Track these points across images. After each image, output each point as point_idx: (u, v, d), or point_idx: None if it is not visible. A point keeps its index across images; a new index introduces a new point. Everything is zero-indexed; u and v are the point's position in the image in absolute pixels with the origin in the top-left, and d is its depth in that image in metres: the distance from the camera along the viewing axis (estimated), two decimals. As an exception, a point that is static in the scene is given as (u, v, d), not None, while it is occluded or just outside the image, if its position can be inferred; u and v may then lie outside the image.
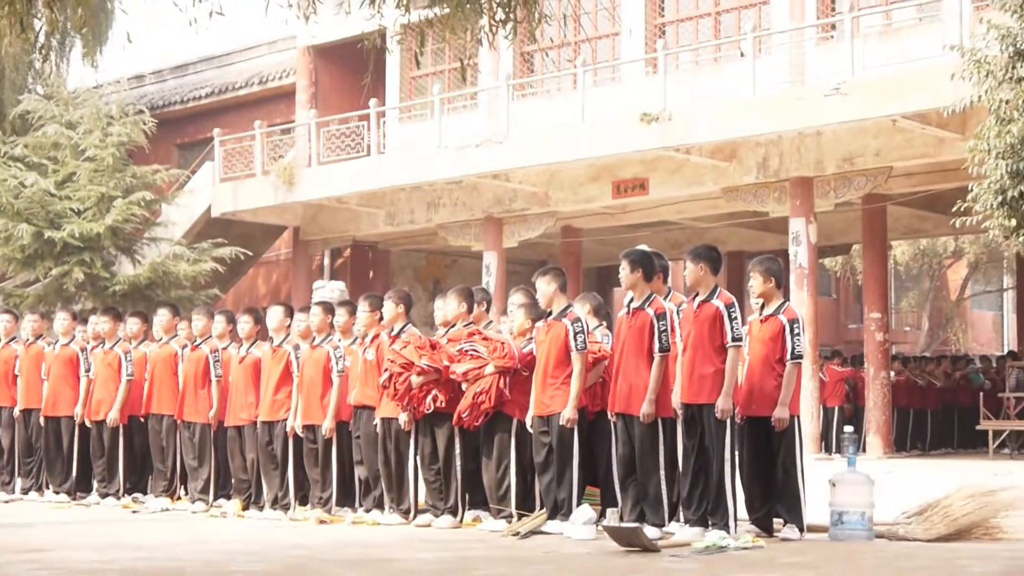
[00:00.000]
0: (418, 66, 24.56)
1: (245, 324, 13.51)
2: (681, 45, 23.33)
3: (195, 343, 13.99)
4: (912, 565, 8.14)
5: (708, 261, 9.85)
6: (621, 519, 10.00)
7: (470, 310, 11.49)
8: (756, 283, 10.03)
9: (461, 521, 11.14)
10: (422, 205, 25.72)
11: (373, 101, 24.78)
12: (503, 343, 10.90)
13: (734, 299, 9.80)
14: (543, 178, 23.92)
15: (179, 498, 13.93)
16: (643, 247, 10.80)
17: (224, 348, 13.79)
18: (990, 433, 22.43)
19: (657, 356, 9.91)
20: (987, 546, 9.19)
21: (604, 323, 11.32)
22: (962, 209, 15.53)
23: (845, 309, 43.63)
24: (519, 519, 10.52)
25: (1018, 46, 14.76)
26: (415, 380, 11.12)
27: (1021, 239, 15.24)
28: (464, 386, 11.00)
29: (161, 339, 14.48)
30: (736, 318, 9.63)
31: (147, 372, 14.33)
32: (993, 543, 9.35)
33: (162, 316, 14.55)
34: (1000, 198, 14.86)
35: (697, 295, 9.85)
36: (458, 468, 11.14)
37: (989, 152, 14.83)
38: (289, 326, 13.11)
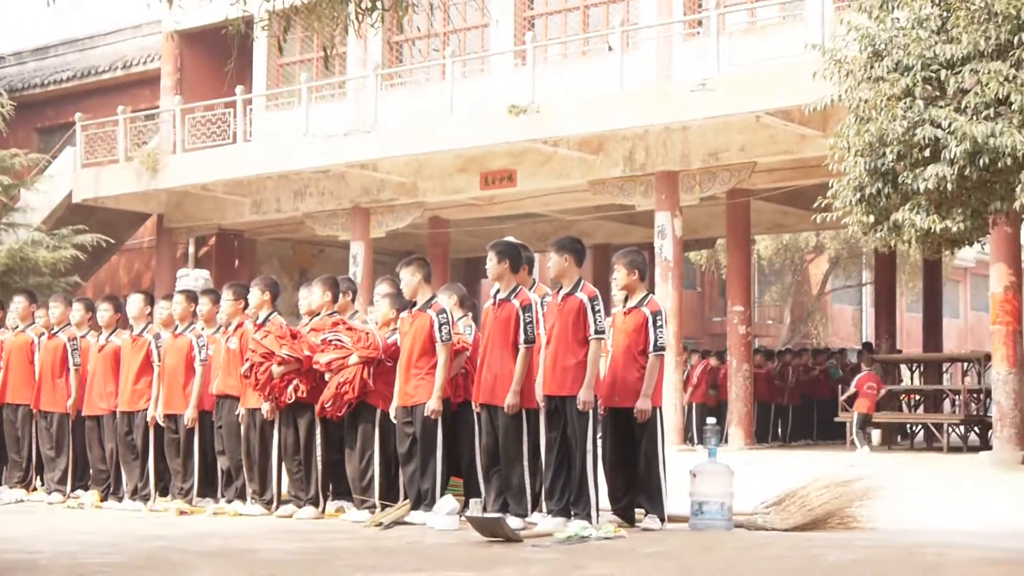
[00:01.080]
0: (281, 53, 24.30)
1: (105, 312, 13.27)
2: (550, 38, 23.44)
3: (52, 331, 13.71)
4: (769, 554, 8.27)
5: (572, 253, 9.90)
6: (484, 509, 10.02)
7: (335, 299, 11.42)
8: (620, 275, 10.11)
9: (323, 512, 11.08)
10: (289, 194, 25.51)
11: (239, 88, 24.52)
12: (367, 333, 10.85)
13: (597, 292, 9.86)
14: (411, 168, 23.86)
15: (35, 489, 13.66)
16: (510, 238, 10.82)
17: (83, 336, 13.53)
18: (847, 425, 22.90)
19: (522, 347, 9.94)
20: (842, 535, 9.37)
21: (469, 314, 11.33)
22: (823, 205, 15.80)
23: (709, 302, 44.23)
24: (382, 510, 10.48)
25: (876, 47, 15.06)
26: (276, 370, 11.02)
27: (879, 235, 15.55)
28: (327, 376, 10.92)
29: (17, 327, 14.15)
30: (599, 310, 9.68)
31: (1, 361, 13.99)
32: (848, 532, 9.53)
33: (18, 303, 14.22)
34: (859, 195, 15.15)
35: (561, 287, 9.89)
36: (320, 459, 11.06)
37: (849, 150, 15.11)
38: (150, 314, 12.91)
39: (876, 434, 23.24)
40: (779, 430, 25.51)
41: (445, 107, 22.39)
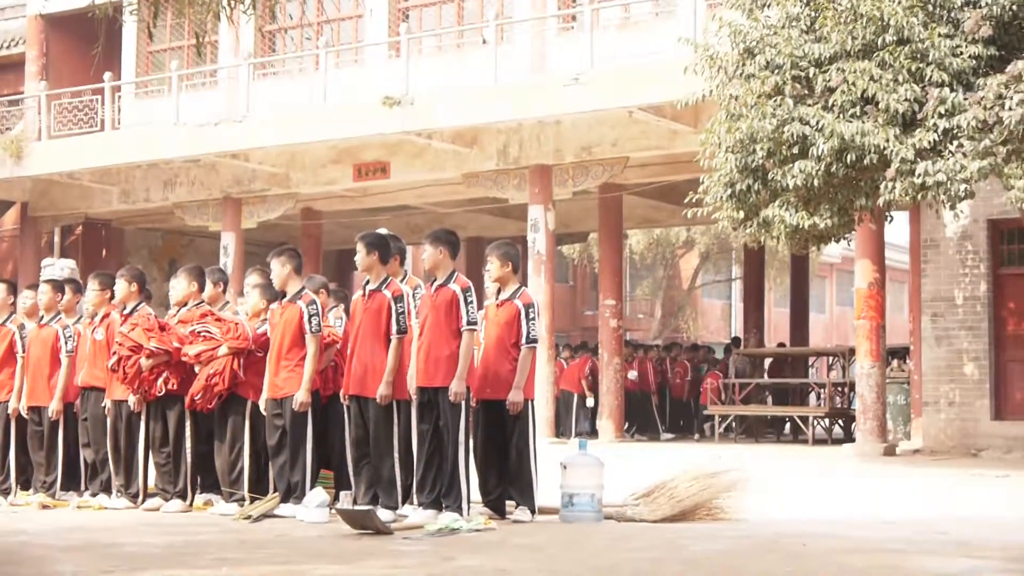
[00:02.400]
0: (151, 40, 23.94)
1: (-33, 301, 12.91)
2: (424, 30, 23.38)
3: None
4: (637, 545, 8.34)
5: (447, 245, 9.89)
6: (354, 502, 9.97)
7: (201, 289, 11.25)
8: (493, 267, 10.11)
9: (191, 505, 10.92)
10: (158, 183, 25.14)
11: (108, 75, 24.08)
12: (236, 324, 10.72)
13: (471, 284, 9.85)
14: (283, 159, 23.65)
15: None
16: (381, 230, 10.77)
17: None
18: (716, 418, 23.23)
19: (394, 338, 9.90)
20: (710, 526, 9.48)
21: (340, 305, 11.26)
22: (694, 200, 16.00)
23: (582, 296, 44.50)
24: (251, 502, 10.37)
25: (747, 44, 15.28)
26: (145, 363, 10.83)
27: (748, 230, 15.79)
28: (197, 368, 10.77)
29: None
30: (472, 302, 9.68)
31: None
32: (715, 523, 9.65)
33: None
34: (729, 191, 15.36)
35: (435, 279, 9.87)
36: (189, 451, 10.91)
37: (719, 146, 15.31)
38: (13, 304, 12.62)
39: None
40: (650, 423, 25.75)
41: (318, 98, 22.22)
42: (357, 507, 9.65)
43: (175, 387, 10.87)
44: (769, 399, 25.00)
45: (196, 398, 10.66)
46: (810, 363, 26.72)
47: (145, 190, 25.28)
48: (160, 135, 23.45)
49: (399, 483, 9.88)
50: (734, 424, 23.16)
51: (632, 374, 24.28)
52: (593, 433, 22.38)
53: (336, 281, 27.31)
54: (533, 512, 9.81)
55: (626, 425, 23.52)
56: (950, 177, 13.79)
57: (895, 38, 14.24)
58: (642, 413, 24.98)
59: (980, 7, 14.28)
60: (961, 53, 14.14)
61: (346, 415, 10.20)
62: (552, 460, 10.16)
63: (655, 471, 10.99)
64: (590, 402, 23.73)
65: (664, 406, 25.69)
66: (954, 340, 19.24)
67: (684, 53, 16.30)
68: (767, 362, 26.39)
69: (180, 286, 11.33)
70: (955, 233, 19.28)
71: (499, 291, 10.14)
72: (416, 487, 9.79)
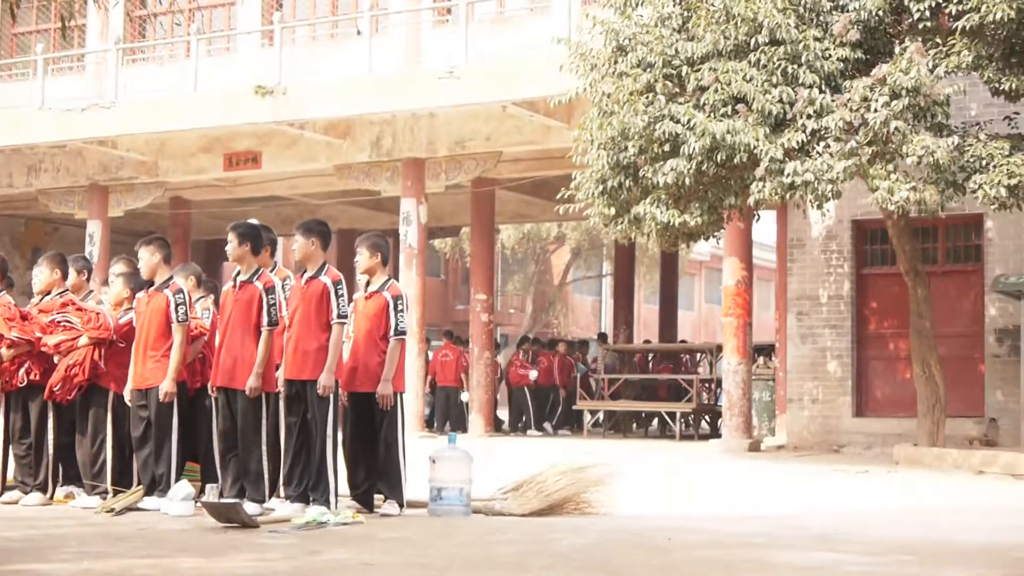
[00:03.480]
0: (15, 21, 23.40)
1: None
2: (298, 19, 23.18)
3: None
4: (505, 539, 8.35)
5: (319, 236, 9.80)
6: (220, 495, 9.83)
7: (64, 277, 11.01)
8: (362, 259, 10.05)
9: (52, 498, 10.68)
10: (22, 169, 24.58)
11: (-31, 57, 23.50)
12: (97, 313, 10.51)
13: (341, 276, 9.78)
14: (152, 147, 23.28)
15: None
16: (253, 221, 10.64)
17: None
18: (585, 413, 23.38)
19: (265, 330, 9.78)
20: (577, 520, 9.53)
21: (210, 296, 11.10)
22: (566, 196, 16.06)
23: (453, 290, 44.53)
24: (115, 495, 10.17)
25: (620, 42, 15.38)
26: (5, 353, 10.57)
27: (619, 227, 15.90)
28: (56, 358, 10.54)
29: None
30: (343, 295, 9.61)
31: None
32: (583, 517, 9.70)
33: None
34: (601, 187, 15.46)
35: (305, 271, 9.78)
36: (50, 443, 10.67)
37: (592, 142, 15.40)
38: None
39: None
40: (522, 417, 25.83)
41: (189, 85, 21.91)
42: (223, 500, 9.52)
43: (37, 377, 10.62)
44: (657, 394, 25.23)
45: (55, 389, 10.42)
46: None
47: (8, 175, 24.71)
48: (24, 119, 22.94)
49: (267, 476, 9.77)
50: (602, 420, 23.33)
51: (533, 374, 24.24)
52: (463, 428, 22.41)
53: (205, 272, 26.93)
54: (401, 506, 9.78)
55: (523, 420, 23.77)
56: (817, 177, 14.03)
57: (768, 39, 14.44)
58: (520, 406, 25.16)
59: (848, 11, 14.56)
60: (830, 56, 14.39)
61: (213, 407, 10.06)
62: (422, 454, 10.13)
63: (525, 465, 11.02)
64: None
65: (545, 399, 25.93)
66: (818, 338, 19.60)
67: (558, 49, 16.35)
68: (650, 359, 26.60)
69: (42, 274, 11.07)
70: (821, 233, 19.64)
71: (368, 283, 10.08)
72: (283, 480, 9.69)
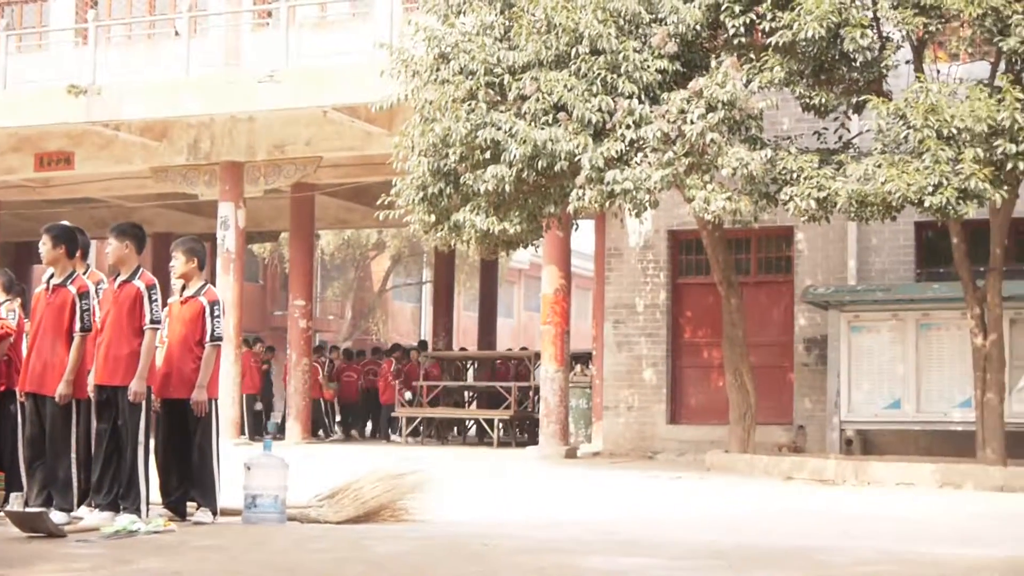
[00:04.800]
0: None
1: None
2: (114, 17, 22.68)
3: None
4: (319, 547, 8.27)
5: (133, 239, 9.57)
6: (26, 504, 9.54)
7: None
8: (178, 263, 9.87)
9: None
10: None
11: None
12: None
13: (155, 281, 9.57)
14: (-41, 145, 22.54)
15: None
16: (65, 223, 10.35)
17: None
18: (402, 420, 23.32)
19: (77, 336, 9.52)
20: (394, 527, 9.49)
21: (18, 299, 10.77)
22: (386, 203, 16.01)
23: (271, 296, 44.01)
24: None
25: (443, 49, 15.40)
26: None
27: (439, 234, 15.90)
28: None
29: None
30: (156, 300, 9.40)
31: None
32: (399, 524, 9.66)
33: None
34: (421, 194, 15.45)
35: (119, 274, 9.55)
36: None
37: (413, 149, 15.38)
38: None
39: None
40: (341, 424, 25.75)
41: (-2, 82, 21.30)
42: (28, 509, 9.24)
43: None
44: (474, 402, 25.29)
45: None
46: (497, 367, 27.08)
47: None
48: None
49: (75, 484, 9.51)
50: (421, 427, 23.31)
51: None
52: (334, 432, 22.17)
53: (15, 274, 26.15)
54: (215, 513, 9.61)
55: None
56: (636, 186, 14.22)
57: (589, 49, 14.60)
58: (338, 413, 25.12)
59: (666, 24, 14.80)
60: (649, 67, 14.61)
61: (20, 413, 9.75)
62: (238, 461, 9.97)
63: (342, 472, 10.93)
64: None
65: (364, 407, 25.91)
66: (634, 346, 19.88)
67: (380, 55, 16.31)
68: (480, 366, 26.64)
69: None
70: (638, 243, 19.93)
71: (183, 288, 9.90)
72: (93, 488, 9.44)
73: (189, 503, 9.75)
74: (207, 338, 9.67)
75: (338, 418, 25.96)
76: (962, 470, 14.61)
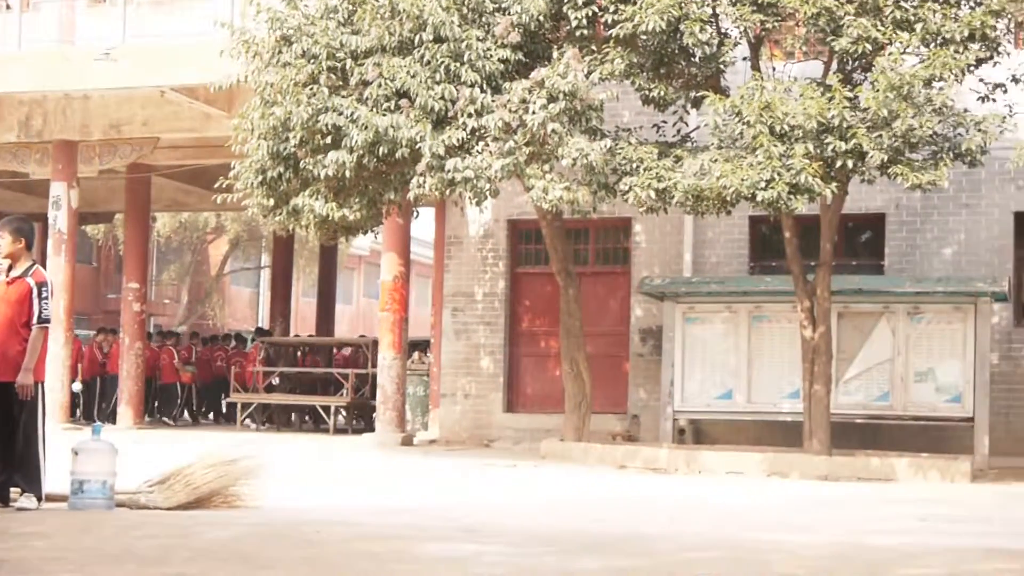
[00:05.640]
0: None
1: None
2: (-59, -11, 21.98)
3: None
4: (148, 533, 8.12)
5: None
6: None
7: None
8: (4, 243, 9.59)
9: None
10: None
11: None
12: None
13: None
14: None
15: None
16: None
17: None
18: (239, 405, 23.07)
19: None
20: (225, 513, 9.38)
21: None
22: (224, 186, 15.80)
23: (105, 278, 43.10)
24: None
25: (285, 31, 15.23)
26: None
27: (278, 218, 15.75)
28: None
29: None
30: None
31: None
32: (231, 510, 9.55)
33: None
34: (261, 177, 15.28)
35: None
36: None
37: (252, 132, 15.20)
38: None
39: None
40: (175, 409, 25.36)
41: None
42: None
43: None
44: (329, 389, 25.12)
45: None
46: (335, 353, 26.91)
47: None
48: None
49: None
50: (256, 413, 23.09)
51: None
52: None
53: None
54: (40, 499, 9.37)
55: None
56: (477, 174, 14.26)
57: (432, 36, 14.59)
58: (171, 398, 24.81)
59: (510, 14, 14.85)
60: (492, 56, 14.65)
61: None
62: (66, 446, 9.76)
63: (174, 457, 10.76)
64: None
65: (202, 391, 25.63)
66: (472, 335, 19.94)
67: (221, 36, 16.07)
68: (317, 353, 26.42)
69: None
70: (477, 231, 19.99)
71: (10, 268, 9.64)
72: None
73: (13, 489, 9.50)
74: (34, 320, 9.42)
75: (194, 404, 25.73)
76: (789, 460, 14.97)
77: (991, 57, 14.39)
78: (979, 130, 14.17)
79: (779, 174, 13.43)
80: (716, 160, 13.95)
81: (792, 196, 13.54)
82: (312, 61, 14.94)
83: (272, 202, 15.53)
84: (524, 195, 15.10)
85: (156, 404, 24.88)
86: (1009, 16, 14.36)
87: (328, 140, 14.69)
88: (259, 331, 28.30)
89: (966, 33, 13.73)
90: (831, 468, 14.63)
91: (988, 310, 16.74)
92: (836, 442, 15.56)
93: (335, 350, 26.06)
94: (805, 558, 7.75)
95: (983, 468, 15.68)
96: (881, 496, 12.77)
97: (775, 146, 13.46)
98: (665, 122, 16.34)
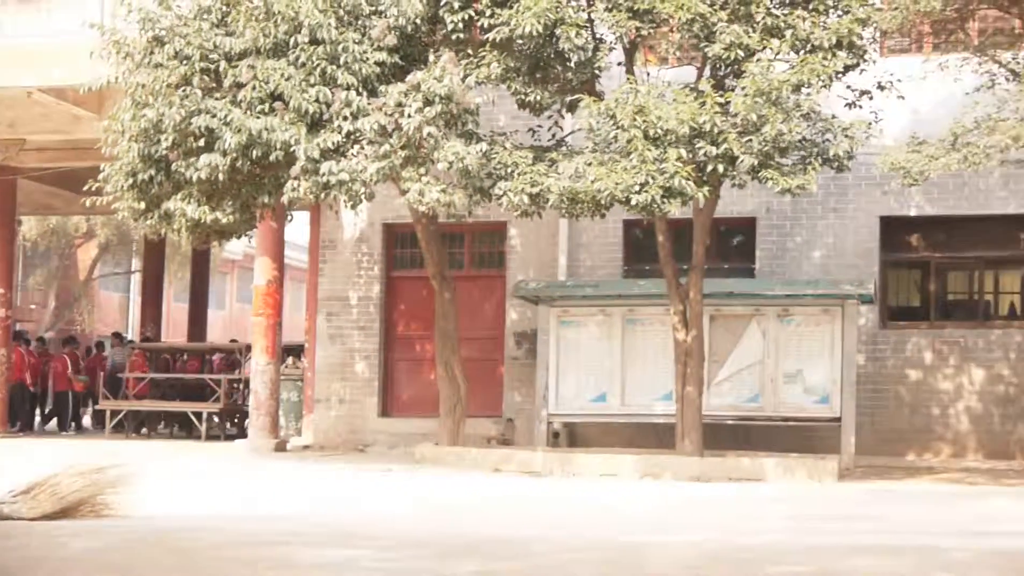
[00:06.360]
0: None
1: None
2: None
3: None
4: (12, 544, 7.93)
5: None
6: None
7: None
8: None
9: None
10: None
11: None
12: None
13: None
14: None
15: None
16: None
17: None
18: (108, 413, 22.68)
19: None
20: (93, 522, 9.19)
21: None
22: (94, 189, 15.53)
23: (-31, 283, 42.05)
24: None
25: (157, 32, 15.02)
26: None
27: (149, 222, 15.52)
28: None
29: None
30: None
31: None
32: (99, 520, 9.36)
33: None
34: (131, 180, 15.05)
35: None
36: None
37: (123, 134, 14.97)
38: None
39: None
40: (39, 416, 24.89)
41: None
42: None
43: None
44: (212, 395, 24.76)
45: None
46: (207, 358, 26.60)
47: None
48: None
49: None
50: (126, 420, 22.73)
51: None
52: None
53: None
54: None
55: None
56: (352, 177, 14.20)
57: (308, 38, 14.49)
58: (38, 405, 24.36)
59: (387, 16, 14.81)
60: (368, 59, 14.59)
61: None
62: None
63: (40, 466, 10.54)
64: None
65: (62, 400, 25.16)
66: (347, 339, 19.84)
67: (91, 36, 15.78)
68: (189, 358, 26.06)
69: None
70: (352, 235, 19.90)
71: None
72: None
73: None
74: None
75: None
76: (662, 461, 15.12)
77: (858, 64, 14.68)
78: (846, 136, 14.45)
79: (653, 178, 13.55)
80: (591, 164, 14.04)
81: (665, 200, 13.67)
82: (185, 62, 14.76)
83: (143, 205, 15.31)
84: (399, 199, 15.05)
85: (46, 413, 24.59)
86: (875, 24, 14.68)
87: (201, 143, 14.51)
88: (116, 335, 27.90)
89: (834, 40, 14.00)
90: (703, 469, 14.80)
91: (855, 312, 17.07)
92: (708, 443, 15.76)
93: (208, 355, 25.74)
94: (677, 558, 7.84)
95: (849, 467, 15.99)
96: (751, 496, 12.96)
97: (649, 150, 13.58)
98: (541, 126, 16.41)
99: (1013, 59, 15.05)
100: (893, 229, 18.55)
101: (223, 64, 14.74)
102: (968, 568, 7.66)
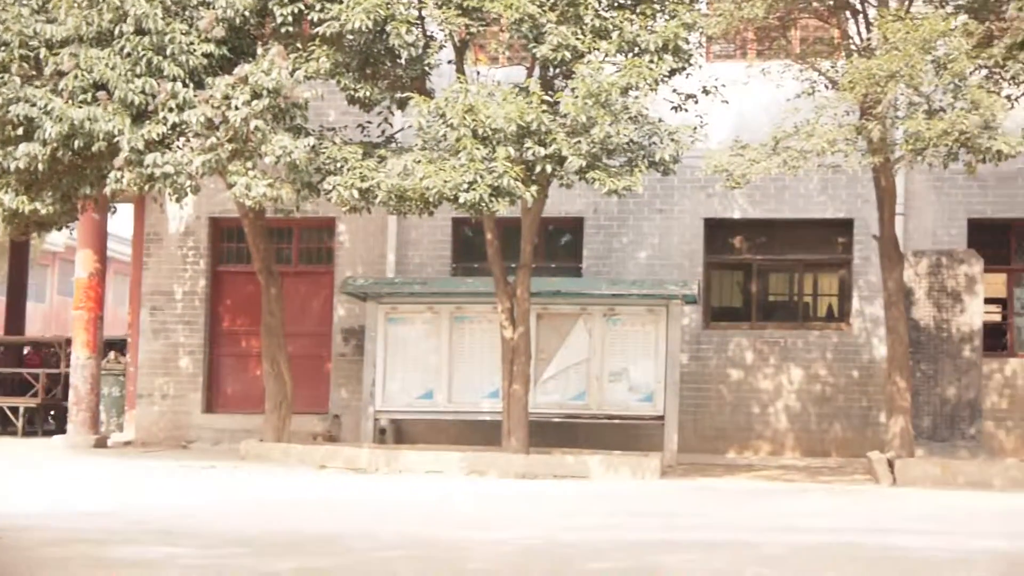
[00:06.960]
0: None
1: None
2: None
3: None
4: None
5: None
6: None
7: None
8: None
9: None
10: None
11: None
12: None
13: None
14: None
15: None
16: None
17: None
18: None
19: None
20: None
21: None
22: (-95, 176, 15.03)
23: None
24: None
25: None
26: None
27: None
28: None
29: None
30: None
31: None
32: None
33: None
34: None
35: None
36: None
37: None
38: None
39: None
40: None
41: None
42: None
43: None
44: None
45: None
46: (26, 353, 25.89)
47: None
48: None
49: None
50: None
51: None
52: None
53: None
54: None
55: None
56: (177, 170, 14.00)
57: (134, 28, 14.24)
58: None
59: (215, 8, 14.61)
60: (195, 50, 14.38)
61: None
62: None
63: None
64: None
65: None
66: (171, 334, 19.54)
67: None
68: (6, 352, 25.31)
69: None
70: (178, 229, 19.60)
71: None
72: None
73: None
74: None
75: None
76: (487, 458, 15.20)
77: (684, 68, 14.92)
78: (672, 139, 14.68)
79: (481, 176, 13.61)
80: (420, 161, 14.04)
81: (494, 198, 13.73)
82: (3, 49, 14.38)
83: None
84: (226, 192, 14.89)
85: None
86: (700, 30, 14.94)
87: (20, 132, 14.16)
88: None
89: (660, 44, 14.21)
90: (528, 466, 14.92)
91: (679, 312, 17.36)
92: (534, 441, 15.88)
93: (25, 349, 25.07)
94: (498, 555, 7.90)
95: (672, 464, 16.27)
96: (575, 493, 13.11)
97: (478, 149, 13.64)
98: (370, 122, 16.36)
99: (832, 67, 15.46)
100: (717, 231, 18.93)
101: (44, 51, 14.40)
102: (781, 561, 7.87)
